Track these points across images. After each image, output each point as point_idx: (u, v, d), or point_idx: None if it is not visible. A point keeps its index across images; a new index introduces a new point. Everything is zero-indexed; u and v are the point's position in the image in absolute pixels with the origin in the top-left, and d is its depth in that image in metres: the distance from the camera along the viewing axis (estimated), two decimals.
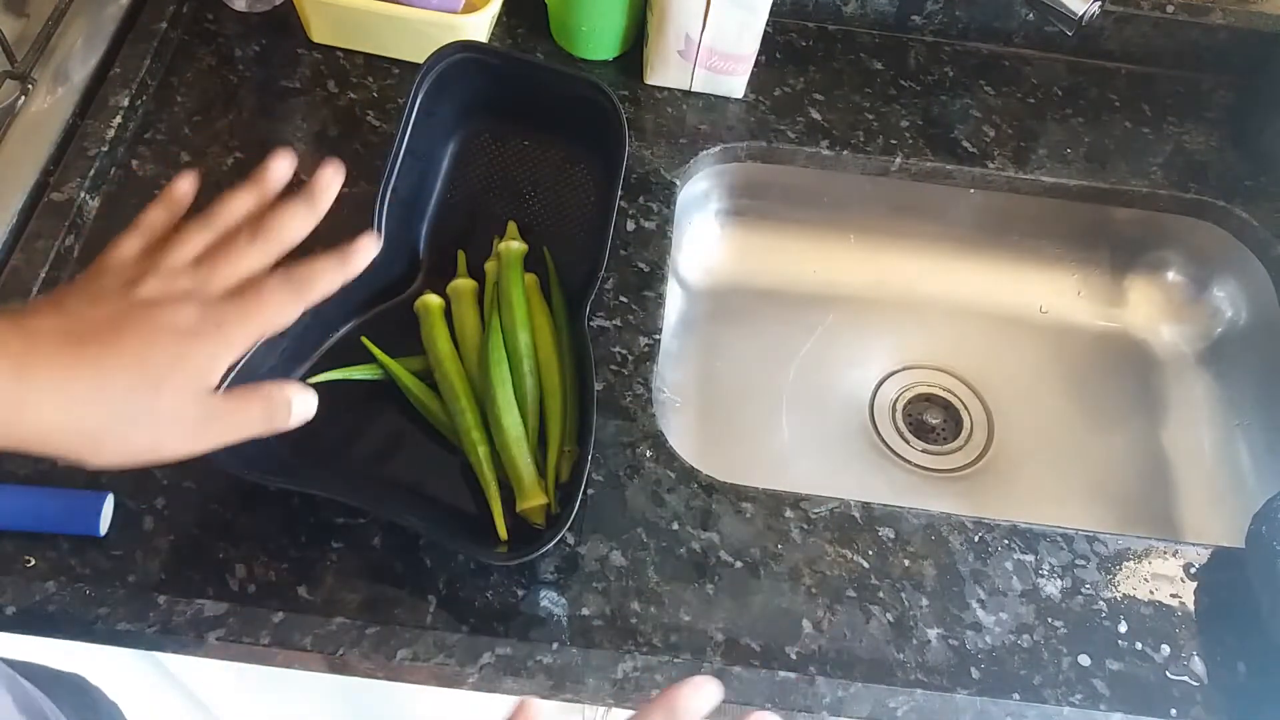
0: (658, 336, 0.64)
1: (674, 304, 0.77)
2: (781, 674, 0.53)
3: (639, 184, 0.70)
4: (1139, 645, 0.55)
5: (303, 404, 0.45)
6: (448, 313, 0.62)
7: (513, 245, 0.63)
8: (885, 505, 0.59)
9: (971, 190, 0.76)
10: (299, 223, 0.46)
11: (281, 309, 0.44)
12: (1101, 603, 0.56)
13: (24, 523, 0.54)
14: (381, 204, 0.61)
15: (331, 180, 0.48)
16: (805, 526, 0.58)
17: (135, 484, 0.56)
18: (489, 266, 0.64)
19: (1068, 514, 0.72)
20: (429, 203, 0.66)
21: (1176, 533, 0.72)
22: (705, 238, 0.80)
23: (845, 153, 0.74)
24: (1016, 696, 0.53)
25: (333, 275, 0.46)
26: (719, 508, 0.58)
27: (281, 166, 0.49)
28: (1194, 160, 0.76)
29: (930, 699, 0.53)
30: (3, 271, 0.61)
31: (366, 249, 0.47)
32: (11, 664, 0.47)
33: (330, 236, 0.69)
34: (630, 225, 0.68)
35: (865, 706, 0.52)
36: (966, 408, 0.77)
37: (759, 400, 0.76)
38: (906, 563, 0.57)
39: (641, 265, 0.67)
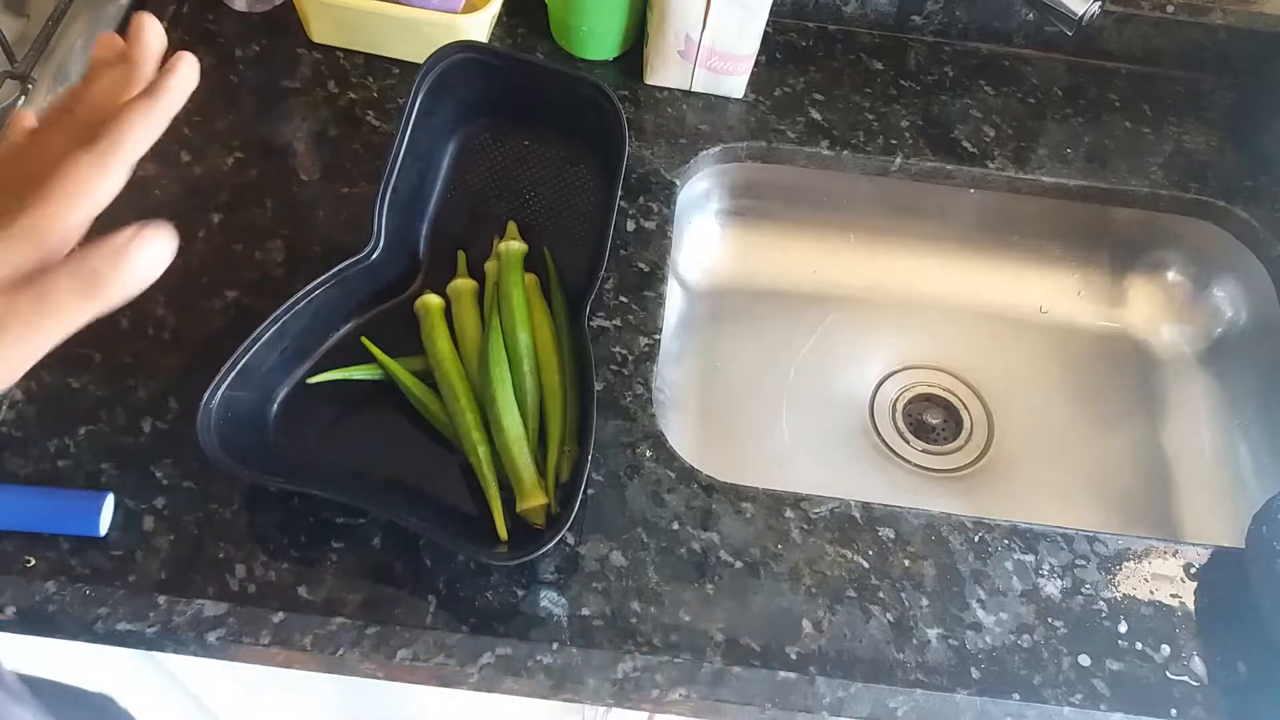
0: (658, 336, 0.64)
1: (674, 304, 0.77)
2: (781, 674, 0.53)
3: (639, 184, 0.70)
4: (1139, 645, 0.55)
5: (148, 254, 0.34)
6: (448, 313, 0.62)
7: (513, 245, 0.63)
8: (885, 505, 0.59)
9: (971, 190, 0.76)
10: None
11: (89, 180, 0.36)
12: (1101, 603, 0.56)
13: (24, 523, 0.54)
14: (381, 204, 0.61)
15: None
16: (805, 526, 0.57)
17: (135, 484, 0.56)
18: (489, 266, 0.64)
19: (1068, 514, 0.72)
20: (429, 203, 0.66)
21: (1176, 533, 0.72)
22: (705, 238, 0.80)
23: (845, 153, 0.74)
24: (1016, 696, 0.53)
25: (145, 116, 0.36)
26: (719, 508, 0.58)
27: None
28: (1194, 160, 0.76)
29: (930, 699, 0.53)
30: None
31: (187, 71, 0.38)
32: (33, 682, 0.45)
33: (331, 237, 0.69)
34: (630, 225, 0.68)
35: (865, 706, 0.52)
36: (966, 408, 0.77)
37: (759, 400, 0.76)
38: (906, 563, 0.57)
39: (641, 265, 0.67)
